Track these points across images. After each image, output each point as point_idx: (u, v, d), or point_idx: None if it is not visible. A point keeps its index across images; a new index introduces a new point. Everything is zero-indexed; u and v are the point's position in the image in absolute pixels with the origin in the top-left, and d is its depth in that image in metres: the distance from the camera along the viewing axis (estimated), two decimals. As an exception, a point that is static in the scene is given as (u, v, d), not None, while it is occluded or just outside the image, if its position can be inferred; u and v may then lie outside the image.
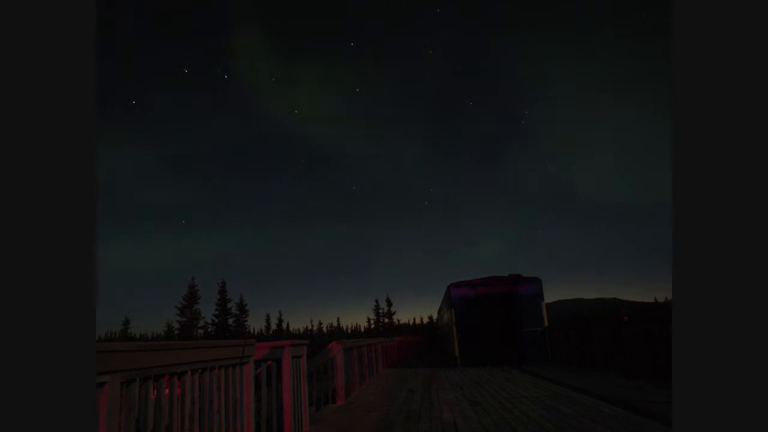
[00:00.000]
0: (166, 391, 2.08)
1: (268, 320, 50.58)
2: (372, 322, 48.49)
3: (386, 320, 47.07)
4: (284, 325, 50.17)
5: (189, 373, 2.21)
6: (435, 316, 33.22)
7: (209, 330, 35.50)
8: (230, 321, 36.54)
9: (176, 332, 35.35)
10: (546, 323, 11.15)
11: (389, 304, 47.43)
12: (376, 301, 48.57)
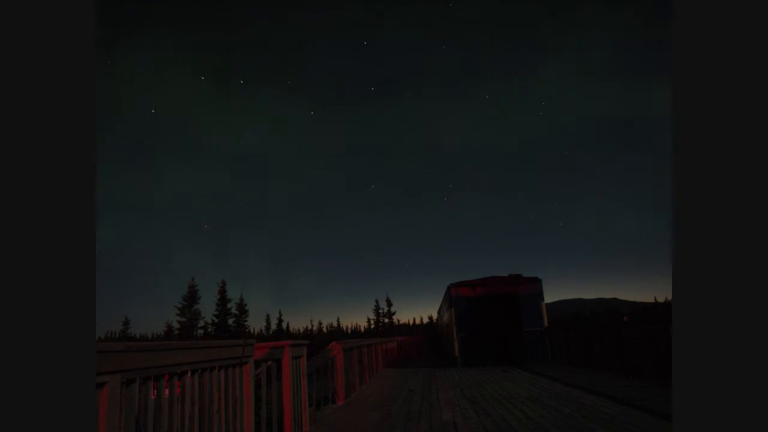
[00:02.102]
0: (166, 391, 2.08)
1: (268, 320, 50.58)
2: (372, 322, 48.48)
3: (386, 320, 47.06)
4: (284, 325, 50.19)
5: (189, 373, 2.21)
6: (435, 316, 33.24)
7: (209, 330, 35.50)
8: (230, 321, 36.53)
9: (176, 332, 35.35)
10: (546, 323, 11.15)
11: (389, 304, 47.43)
12: (376, 301, 48.55)
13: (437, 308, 21.45)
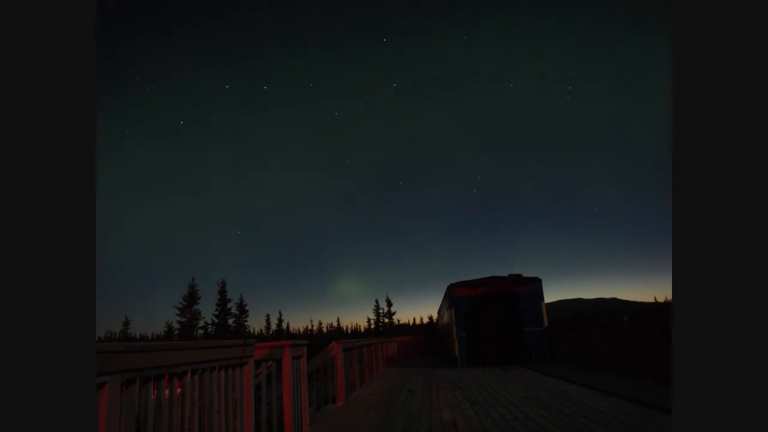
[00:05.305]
0: (166, 391, 2.07)
1: (268, 320, 50.59)
2: (372, 322, 48.48)
3: (386, 320, 47.03)
4: (284, 325, 50.18)
5: (189, 373, 2.21)
6: (435, 316, 33.22)
7: (209, 330, 35.50)
8: (230, 321, 36.53)
9: (176, 332, 35.34)
10: (546, 323, 11.15)
11: (389, 304, 47.42)
12: (376, 301, 48.59)
13: (437, 308, 21.44)
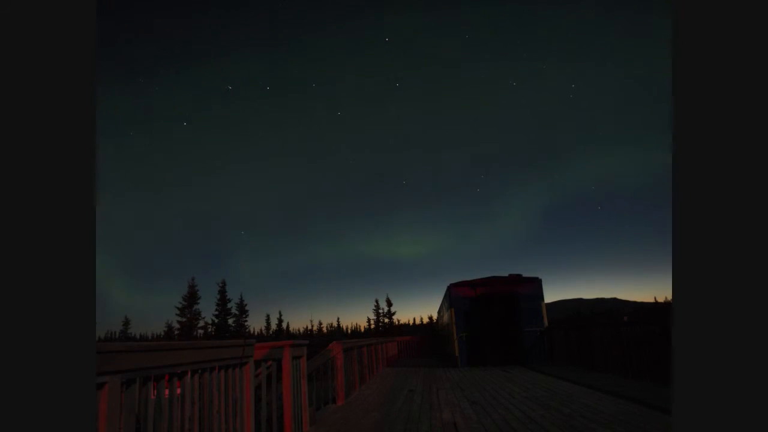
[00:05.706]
0: (166, 391, 2.07)
1: (268, 320, 50.66)
2: (372, 322, 48.49)
3: (386, 320, 47.02)
4: (284, 325, 50.19)
5: (189, 373, 2.21)
6: (435, 316, 33.22)
7: (209, 330, 35.49)
8: (230, 321, 36.53)
9: (176, 332, 35.34)
10: (546, 323, 11.14)
11: (389, 304, 47.40)
12: (376, 301, 48.67)
13: (437, 308, 21.44)
